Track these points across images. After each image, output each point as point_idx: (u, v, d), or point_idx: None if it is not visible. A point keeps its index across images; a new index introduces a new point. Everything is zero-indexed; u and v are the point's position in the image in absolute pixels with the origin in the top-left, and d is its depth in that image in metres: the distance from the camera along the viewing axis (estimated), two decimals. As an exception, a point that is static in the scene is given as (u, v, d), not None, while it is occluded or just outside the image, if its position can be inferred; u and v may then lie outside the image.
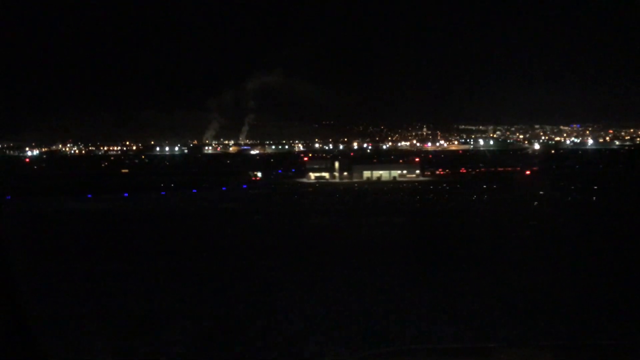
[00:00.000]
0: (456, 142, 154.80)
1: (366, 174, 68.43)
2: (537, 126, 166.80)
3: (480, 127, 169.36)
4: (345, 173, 68.38)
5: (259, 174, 71.44)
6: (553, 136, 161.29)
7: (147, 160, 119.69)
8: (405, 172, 69.83)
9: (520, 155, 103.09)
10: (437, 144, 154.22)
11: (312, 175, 68.97)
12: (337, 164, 70.64)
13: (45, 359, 3.80)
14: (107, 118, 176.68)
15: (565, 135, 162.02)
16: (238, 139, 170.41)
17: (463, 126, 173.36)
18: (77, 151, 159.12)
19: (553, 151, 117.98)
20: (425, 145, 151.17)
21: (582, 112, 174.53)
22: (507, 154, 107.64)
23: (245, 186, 60.90)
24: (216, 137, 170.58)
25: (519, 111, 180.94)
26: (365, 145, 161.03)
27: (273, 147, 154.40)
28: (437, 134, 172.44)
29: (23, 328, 3.36)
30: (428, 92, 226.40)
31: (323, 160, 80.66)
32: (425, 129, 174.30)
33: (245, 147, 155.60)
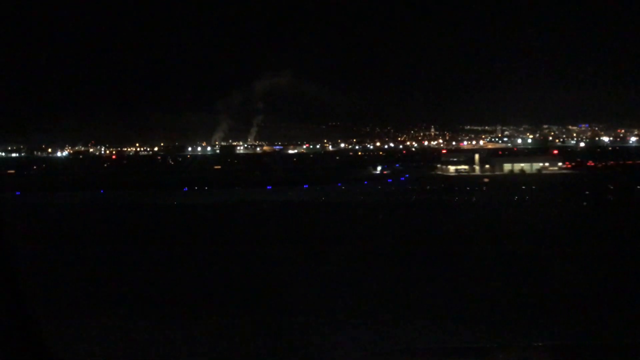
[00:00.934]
0: (485, 141, 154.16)
1: (507, 166, 67.98)
2: (545, 126, 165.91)
3: (486, 127, 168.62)
4: (487, 166, 67.97)
5: (379, 168, 71.79)
6: (564, 136, 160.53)
7: (193, 159, 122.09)
8: (547, 164, 69.10)
9: (590, 151, 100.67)
10: (473, 143, 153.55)
11: (452, 168, 68.65)
12: (477, 157, 70.41)
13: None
14: (115, 120, 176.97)
15: (574, 134, 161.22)
16: (247, 140, 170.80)
17: (468, 127, 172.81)
18: (107, 152, 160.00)
19: (597, 149, 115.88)
20: (461, 144, 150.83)
21: (586, 112, 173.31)
22: (593, 150, 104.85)
23: (365, 182, 60.53)
24: (225, 139, 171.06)
25: (522, 112, 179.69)
26: (379, 144, 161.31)
27: (304, 146, 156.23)
28: (446, 134, 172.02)
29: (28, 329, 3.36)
30: (433, 93, 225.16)
31: (461, 153, 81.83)
32: (433, 130, 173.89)
33: (278, 147, 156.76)
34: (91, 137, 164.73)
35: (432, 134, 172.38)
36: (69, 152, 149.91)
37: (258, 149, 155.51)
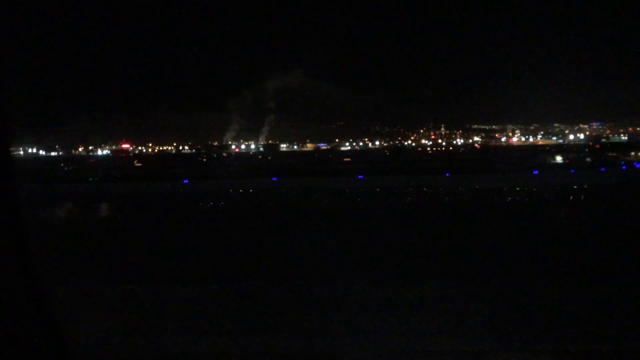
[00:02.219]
0: (536, 138, 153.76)
1: None
2: (555, 125, 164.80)
3: (494, 126, 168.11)
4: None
5: (558, 158, 72.90)
6: (579, 134, 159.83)
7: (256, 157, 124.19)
8: None
9: None
10: (523, 140, 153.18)
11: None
12: None
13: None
14: (126, 120, 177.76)
15: (587, 133, 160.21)
16: (258, 140, 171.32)
17: (476, 126, 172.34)
18: (149, 150, 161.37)
19: None
20: (511, 141, 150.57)
21: (591, 111, 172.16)
22: None
23: (535, 172, 60.86)
24: (236, 138, 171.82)
25: (528, 111, 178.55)
26: (386, 144, 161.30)
27: (347, 144, 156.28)
28: (456, 133, 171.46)
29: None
30: (440, 91, 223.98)
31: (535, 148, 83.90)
32: (443, 129, 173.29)
33: (321, 145, 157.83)
34: (121, 137, 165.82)
35: (443, 132, 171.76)
36: (110, 151, 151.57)
37: (307, 146, 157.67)
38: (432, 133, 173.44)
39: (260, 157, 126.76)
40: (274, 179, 59.51)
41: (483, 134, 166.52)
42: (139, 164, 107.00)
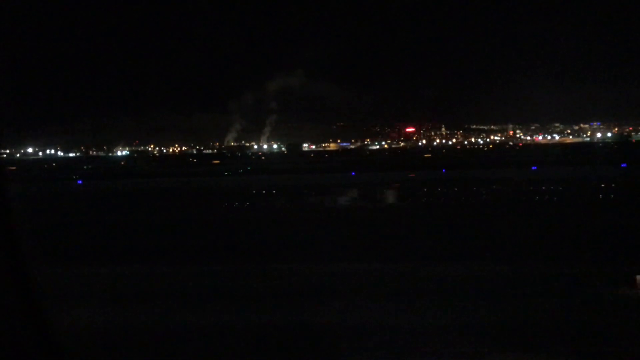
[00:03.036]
0: (562, 136, 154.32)
1: None
2: (556, 124, 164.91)
3: (492, 127, 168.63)
4: None
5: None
6: (583, 134, 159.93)
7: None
8: None
9: None
10: (548, 138, 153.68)
11: None
12: None
13: None
14: (125, 122, 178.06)
15: (588, 133, 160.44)
16: (259, 141, 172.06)
17: (474, 126, 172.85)
18: (168, 150, 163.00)
19: None
20: (537, 139, 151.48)
21: (590, 110, 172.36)
22: None
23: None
24: (238, 139, 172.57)
25: (526, 111, 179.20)
26: (385, 144, 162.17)
27: (376, 144, 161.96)
28: (457, 133, 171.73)
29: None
30: (439, 91, 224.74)
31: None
32: (444, 129, 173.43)
33: (344, 144, 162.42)
34: (135, 138, 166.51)
35: (444, 133, 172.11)
36: (130, 151, 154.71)
37: (331, 146, 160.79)
38: (432, 133, 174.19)
39: (311, 155, 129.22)
40: (352, 173, 62.60)
41: (484, 134, 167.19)
42: (194, 161, 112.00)
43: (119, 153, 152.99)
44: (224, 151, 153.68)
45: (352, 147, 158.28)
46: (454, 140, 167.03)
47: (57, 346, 3.47)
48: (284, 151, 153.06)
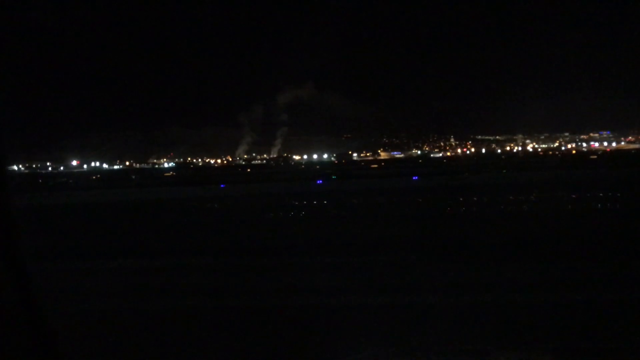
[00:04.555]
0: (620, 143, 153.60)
1: None
2: (566, 134, 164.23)
3: (497, 137, 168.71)
4: None
5: None
6: (593, 143, 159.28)
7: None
8: None
9: None
10: (605, 144, 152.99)
11: None
12: None
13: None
14: (135, 136, 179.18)
15: (598, 141, 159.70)
16: (270, 154, 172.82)
17: (480, 136, 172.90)
18: (215, 161, 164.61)
19: None
20: (593, 145, 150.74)
21: (595, 120, 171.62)
22: None
23: None
24: (248, 152, 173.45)
25: (538, 120, 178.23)
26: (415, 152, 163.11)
27: (419, 152, 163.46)
28: (466, 143, 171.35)
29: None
30: (446, 102, 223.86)
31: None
32: (453, 139, 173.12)
33: (395, 153, 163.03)
34: (169, 150, 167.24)
35: (453, 143, 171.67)
36: (176, 162, 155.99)
37: (381, 155, 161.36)
38: (442, 143, 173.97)
39: (362, 163, 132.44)
40: (415, 177, 64.78)
41: (494, 144, 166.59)
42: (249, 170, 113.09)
43: (165, 165, 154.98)
44: (272, 162, 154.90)
45: (402, 155, 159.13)
46: (464, 150, 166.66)
47: (53, 348, 3.45)
48: (334, 160, 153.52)
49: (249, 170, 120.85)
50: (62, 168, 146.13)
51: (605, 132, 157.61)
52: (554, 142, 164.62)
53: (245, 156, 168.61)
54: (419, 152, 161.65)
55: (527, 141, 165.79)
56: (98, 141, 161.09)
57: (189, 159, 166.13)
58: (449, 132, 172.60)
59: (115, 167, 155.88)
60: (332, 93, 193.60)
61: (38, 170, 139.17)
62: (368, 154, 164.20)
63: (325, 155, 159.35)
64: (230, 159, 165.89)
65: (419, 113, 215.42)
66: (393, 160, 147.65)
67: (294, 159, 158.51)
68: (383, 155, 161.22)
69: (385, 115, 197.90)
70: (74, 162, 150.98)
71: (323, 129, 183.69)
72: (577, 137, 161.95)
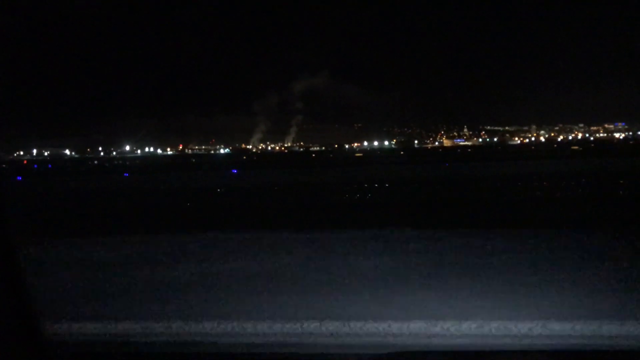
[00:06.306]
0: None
1: None
2: (580, 125, 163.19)
3: (507, 127, 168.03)
4: None
5: None
6: (609, 134, 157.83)
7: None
8: None
9: None
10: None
11: None
12: None
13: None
14: (150, 123, 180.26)
15: (612, 133, 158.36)
16: (284, 142, 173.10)
17: (489, 127, 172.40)
18: (270, 148, 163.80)
19: None
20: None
21: (608, 111, 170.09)
22: None
23: None
24: (263, 140, 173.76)
25: (552, 111, 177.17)
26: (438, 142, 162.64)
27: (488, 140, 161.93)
28: (481, 134, 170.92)
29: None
30: (459, 93, 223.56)
31: None
32: (466, 130, 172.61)
33: (458, 140, 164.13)
34: (210, 137, 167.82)
35: (467, 134, 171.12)
36: (230, 149, 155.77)
37: (444, 142, 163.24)
38: (456, 134, 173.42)
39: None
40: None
41: (507, 135, 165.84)
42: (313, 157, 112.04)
43: (221, 151, 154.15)
44: (329, 150, 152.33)
45: (467, 143, 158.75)
46: (478, 140, 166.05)
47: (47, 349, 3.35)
48: (394, 148, 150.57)
49: (313, 156, 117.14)
50: (114, 153, 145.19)
51: (620, 124, 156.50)
52: (568, 133, 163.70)
53: (261, 145, 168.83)
54: (479, 140, 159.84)
55: (542, 132, 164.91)
56: (122, 128, 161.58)
57: (243, 145, 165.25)
58: (461, 122, 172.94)
59: (169, 152, 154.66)
60: (347, 83, 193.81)
61: (111, 155, 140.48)
62: (428, 142, 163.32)
63: (386, 143, 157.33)
64: (244, 147, 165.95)
65: (433, 103, 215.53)
66: (457, 147, 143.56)
67: (365, 145, 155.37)
68: (446, 142, 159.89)
69: (403, 104, 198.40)
70: (127, 148, 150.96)
71: (337, 119, 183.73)
72: (592, 127, 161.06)
